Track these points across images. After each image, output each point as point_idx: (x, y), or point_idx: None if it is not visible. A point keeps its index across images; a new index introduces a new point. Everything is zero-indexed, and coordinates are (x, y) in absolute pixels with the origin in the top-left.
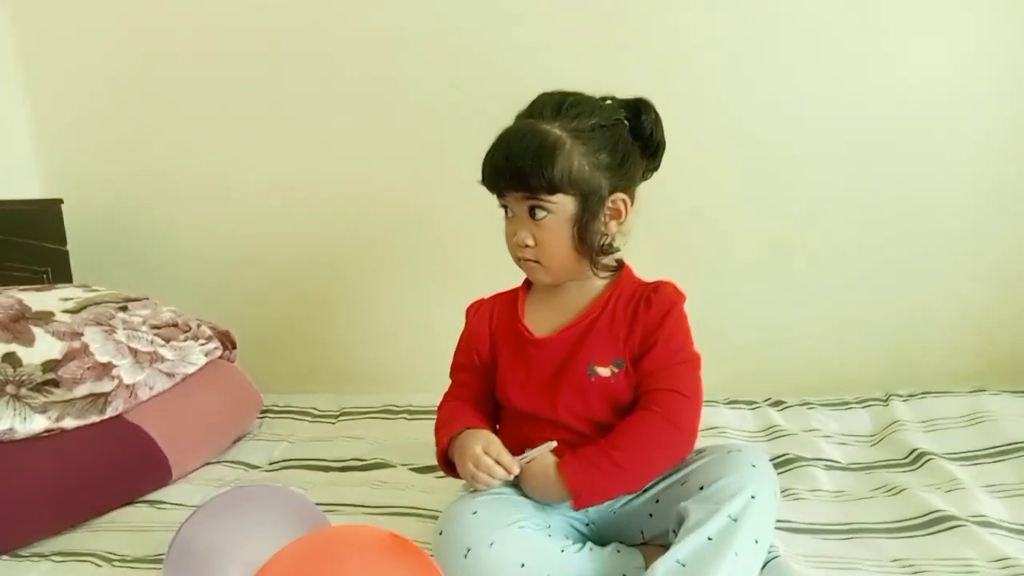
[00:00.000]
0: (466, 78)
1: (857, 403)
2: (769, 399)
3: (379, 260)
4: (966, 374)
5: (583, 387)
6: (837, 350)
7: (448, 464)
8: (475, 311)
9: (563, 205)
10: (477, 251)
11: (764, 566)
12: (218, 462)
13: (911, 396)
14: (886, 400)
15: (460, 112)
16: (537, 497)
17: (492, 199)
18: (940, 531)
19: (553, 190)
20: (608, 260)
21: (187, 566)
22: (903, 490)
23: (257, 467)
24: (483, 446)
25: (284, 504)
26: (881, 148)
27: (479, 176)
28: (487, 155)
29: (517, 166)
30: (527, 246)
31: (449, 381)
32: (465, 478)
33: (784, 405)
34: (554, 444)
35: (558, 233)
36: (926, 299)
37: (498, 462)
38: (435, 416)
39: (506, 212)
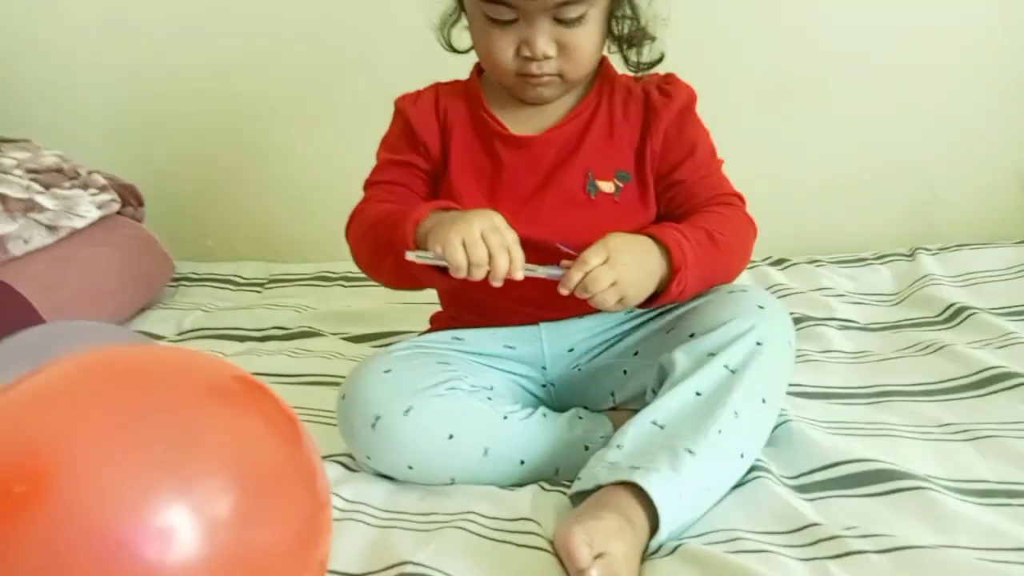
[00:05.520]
0: None
1: (875, 259)
2: (769, 258)
3: (309, 115)
4: (1007, 230)
5: (581, 206)
6: (852, 203)
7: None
8: (413, 100)
9: None
10: None
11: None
12: None
13: (942, 250)
14: (911, 255)
15: None
16: (623, 282)
17: (428, 41)
18: (998, 391)
19: None
20: (652, 54)
21: None
22: (942, 347)
23: (162, 337)
24: (502, 224)
25: (101, 341)
26: None
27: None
28: None
29: None
30: (548, 58)
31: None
32: (455, 246)
33: (787, 263)
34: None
35: (594, 33)
36: (959, 145)
37: (510, 252)
38: (360, 258)
39: (495, 18)
